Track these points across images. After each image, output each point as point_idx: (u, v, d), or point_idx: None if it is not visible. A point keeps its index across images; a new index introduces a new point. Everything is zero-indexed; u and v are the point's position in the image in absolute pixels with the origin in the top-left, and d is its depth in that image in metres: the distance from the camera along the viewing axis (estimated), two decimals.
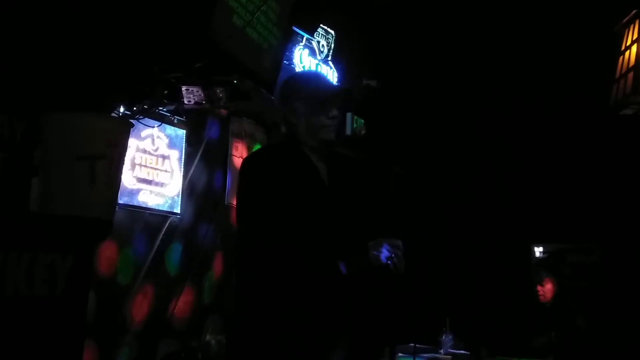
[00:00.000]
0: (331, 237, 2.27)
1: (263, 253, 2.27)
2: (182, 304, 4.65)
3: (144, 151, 4.38)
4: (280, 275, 2.25)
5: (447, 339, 4.69)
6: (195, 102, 3.99)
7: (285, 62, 5.08)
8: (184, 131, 4.71)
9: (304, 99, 2.42)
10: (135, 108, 3.85)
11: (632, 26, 4.34)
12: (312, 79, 2.58)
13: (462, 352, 4.66)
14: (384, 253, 2.25)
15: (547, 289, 5.03)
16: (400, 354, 4.18)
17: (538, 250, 7.03)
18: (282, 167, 2.33)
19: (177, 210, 4.63)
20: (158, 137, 4.48)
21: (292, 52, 5.63)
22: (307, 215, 2.27)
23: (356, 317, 2.30)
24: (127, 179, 4.18)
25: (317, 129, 2.40)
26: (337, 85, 2.48)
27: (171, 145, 4.59)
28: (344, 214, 2.37)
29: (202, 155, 4.92)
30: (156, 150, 4.47)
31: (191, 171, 4.81)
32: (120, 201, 3.85)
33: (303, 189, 2.32)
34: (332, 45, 6.18)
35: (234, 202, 5.30)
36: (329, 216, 2.32)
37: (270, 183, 2.29)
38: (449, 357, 4.52)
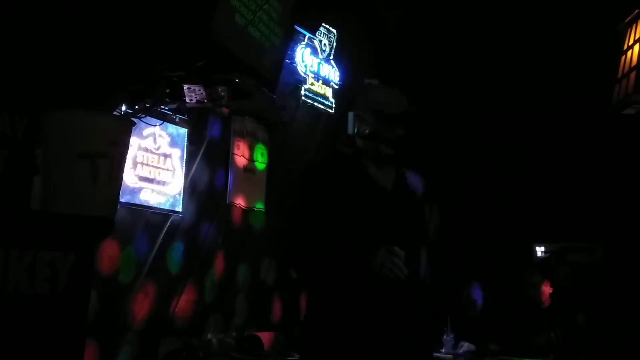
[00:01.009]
0: (363, 245, 2.36)
1: (292, 252, 2.51)
2: (183, 302, 4.65)
3: (146, 150, 4.38)
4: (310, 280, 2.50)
5: (448, 338, 4.70)
6: (197, 101, 3.99)
7: (287, 61, 5.08)
8: (186, 130, 4.71)
9: (374, 111, 2.52)
10: (137, 106, 3.85)
11: (634, 25, 4.33)
12: (386, 96, 2.62)
13: (464, 351, 4.66)
14: (376, 261, 2.29)
15: (542, 292, 5.03)
16: None
17: (539, 250, 7.03)
18: (331, 179, 2.48)
19: (179, 208, 4.63)
20: (160, 135, 4.48)
21: (294, 50, 5.63)
22: (347, 223, 2.39)
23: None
24: (129, 177, 4.18)
25: (379, 143, 2.49)
26: (405, 105, 2.56)
27: (173, 143, 4.59)
28: (398, 220, 2.46)
29: (204, 153, 4.92)
30: (158, 148, 4.47)
31: (193, 170, 4.81)
32: (121, 200, 3.85)
33: (348, 200, 2.43)
34: (334, 44, 6.18)
35: (236, 201, 5.33)
36: (376, 222, 2.42)
37: (313, 194, 2.46)
38: (450, 356, 4.53)
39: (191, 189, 4.79)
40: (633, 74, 4.19)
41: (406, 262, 2.29)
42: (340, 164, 2.53)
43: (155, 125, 4.35)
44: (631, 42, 4.32)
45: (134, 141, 4.03)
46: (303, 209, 2.46)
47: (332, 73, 6.17)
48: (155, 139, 4.44)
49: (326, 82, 6.09)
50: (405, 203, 2.52)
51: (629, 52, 4.31)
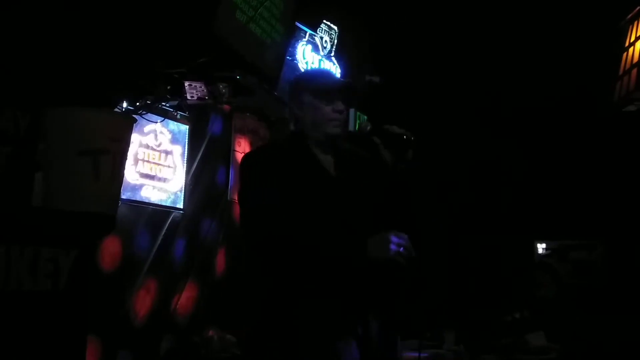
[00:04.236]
0: (331, 229, 2.27)
1: (263, 246, 2.29)
2: (184, 299, 4.65)
3: (147, 146, 4.38)
4: (280, 268, 2.27)
5: (449, 335, 4.70)
6: (198, 98, 3.99)
7: (288, 57, 5.08)
8: (187, 127, 4.71)
9: (310, 90, 2.41)
10: (138, 103, 3.86)
11: (636, 22, 4.33)
12: (319, 73, 2.60)
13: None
14: (393, 246, 2.24)
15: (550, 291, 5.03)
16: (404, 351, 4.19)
17: (541, 247, 7.02)
18: (280, 162, 2.34)
19: (180, 205, 4.64)
20: (161, 132, 4.48)
21: (295, 47, 5.63)
22: (304, 209, 2.27)
23: (364, 309, 2.31)
24: (130, 174, 4.18)
25: (323, 122, 2.41)
26: (343, 79, 2.52)
27: (174, 140, 4.59)
28: (349, 206, 2.37)
29: (205, 150, 4.92)
30: (159, 145, 4.48)
31: (194, 166, 4.82)
32: (123, 196, 3.85)
33: (301, 183, 2.32)
34: (335, 41, 6.17)
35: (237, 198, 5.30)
36: (330, 208, 2.32)
37: (268, 178, 2.30)
38: (451, 353, 4.53)
39: (192, 185, 4.79)
40: (634, 71, 4.19)
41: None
42: (285, 150, 2.41)
43: (156, 122, 4.36)
44: (633, 39, 4.32)
45: (135, 138, 4.03)
46: (266, 194, 2.28)
47: (333, 70, 6.16)
48: (156, 135, 4.44)
49: None
50: (350, 188, 2.39)
51: (631, 49, 4.31)
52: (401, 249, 2.22)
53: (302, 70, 5.47)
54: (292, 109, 2.46)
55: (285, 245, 2.23)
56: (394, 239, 2.22)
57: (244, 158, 2.50)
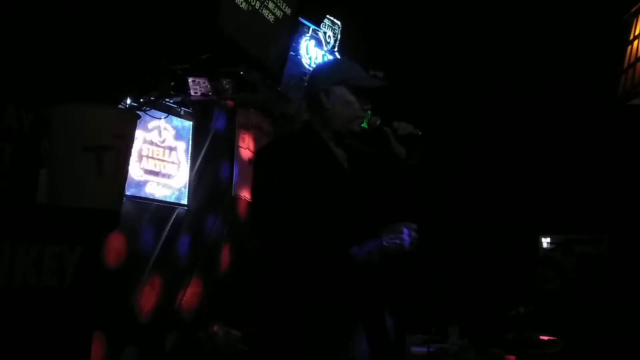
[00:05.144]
0: (345, 225, 2.27)
1: (276, 244, 2.27)
2: (189, 295, 4.66)
3: (151, 143, 4.38)
4: (295, 265, 2.26)
5: (453, 330, 4.70)
6: (202, 94, 3.99)
7: (291, 53, 5.07)
8: (191, 123, 4.71)
9: (348, 84, 2.37)
10: (142, 99, 3.86)
11: None
12: (357, 67, 2.52)
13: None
14: (406, 239, 2.24)
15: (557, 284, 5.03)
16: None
17: (545, 241, 7.02)
18: (295, 157, 2.31)
19: (184, 201, 4.64)
20: (165, 128, 4.48)
21: (298, 43, 5.62)
22: (320, 204, 2.26)
23: (375, 304, 2.32)
24: (134, 170, 4.18)
25: (352, 119, 2.39)
26: (380, 79, 2.49)
27: (178, 136, 4.59)
28: (364, 201, 2.36)
29: (209, 146, 4.92)
30: (163, 141, 4.48)
31: (198, 163, 4.81)
32: (127, 193, 3.85)
33: (317, 178, 2.30)
34: (339, 36, 6.16)
35: (241, 194, 5.33)
36: (345, 202, 2.30)
37: (283, 173, 2.27)
38: (456, 347, 4.54)
39: (196, 181, 4.79)
40: (639, 65, 4.17)
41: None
42: (300, 144, 2.37)
43: (160, 118, 4.35)
44: (637, 32, 4.30)
45: (139, 134, 4.03)
46: (281, 193, 2.23)
47: None
48: (160, 132, 4.44)
49: None
50: (362, 182, 2.37)
51: (635, 43, 4.29)
52: (413, 239, 2.24)
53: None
54: (318, 97, 2.37)
55: (295, 244, 2.22)
56: (405, 229, 2.23)
57: (256, 154, 2.50)
